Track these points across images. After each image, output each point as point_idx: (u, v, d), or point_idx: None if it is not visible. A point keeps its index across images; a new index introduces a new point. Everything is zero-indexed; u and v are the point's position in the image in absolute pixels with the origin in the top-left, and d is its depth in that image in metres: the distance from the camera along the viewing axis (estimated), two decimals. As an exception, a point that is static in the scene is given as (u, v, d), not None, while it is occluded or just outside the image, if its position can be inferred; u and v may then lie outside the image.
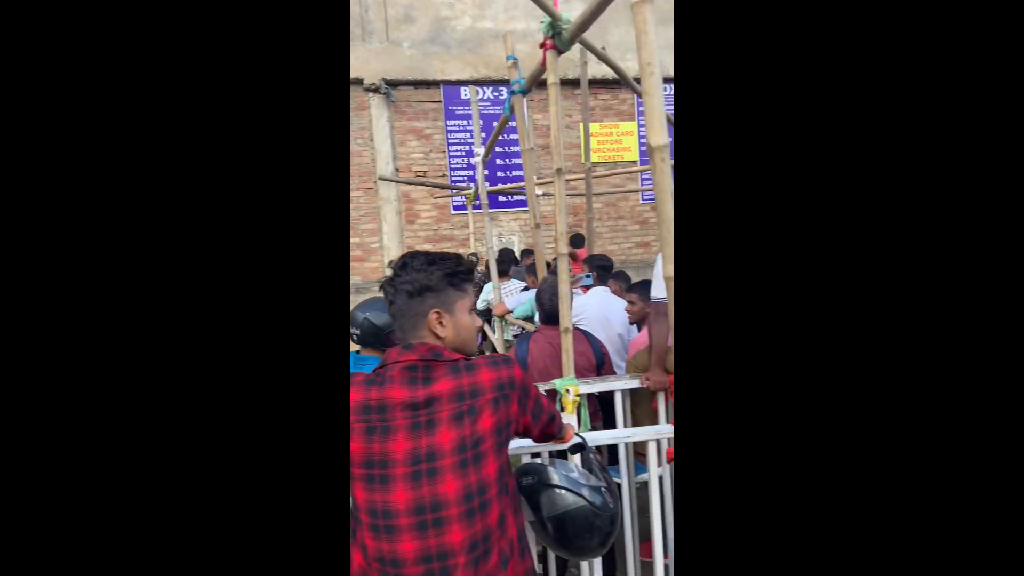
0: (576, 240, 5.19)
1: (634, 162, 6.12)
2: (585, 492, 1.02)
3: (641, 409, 1.79)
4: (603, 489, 1.05)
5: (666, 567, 1.39)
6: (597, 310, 2.34)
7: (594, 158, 6.22)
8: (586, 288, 2.58)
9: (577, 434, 1.22)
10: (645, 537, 2.14)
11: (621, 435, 1.30)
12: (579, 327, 2.18)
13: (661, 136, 1.12)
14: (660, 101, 1.10)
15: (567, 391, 1.59)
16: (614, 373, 1.98)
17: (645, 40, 1.08)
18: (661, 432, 1.26)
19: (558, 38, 1.57)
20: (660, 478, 1.71)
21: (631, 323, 2.23)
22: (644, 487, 2.28)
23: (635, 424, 1.75)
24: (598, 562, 1.33)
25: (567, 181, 6.43)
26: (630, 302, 2.18)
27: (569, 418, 1.52)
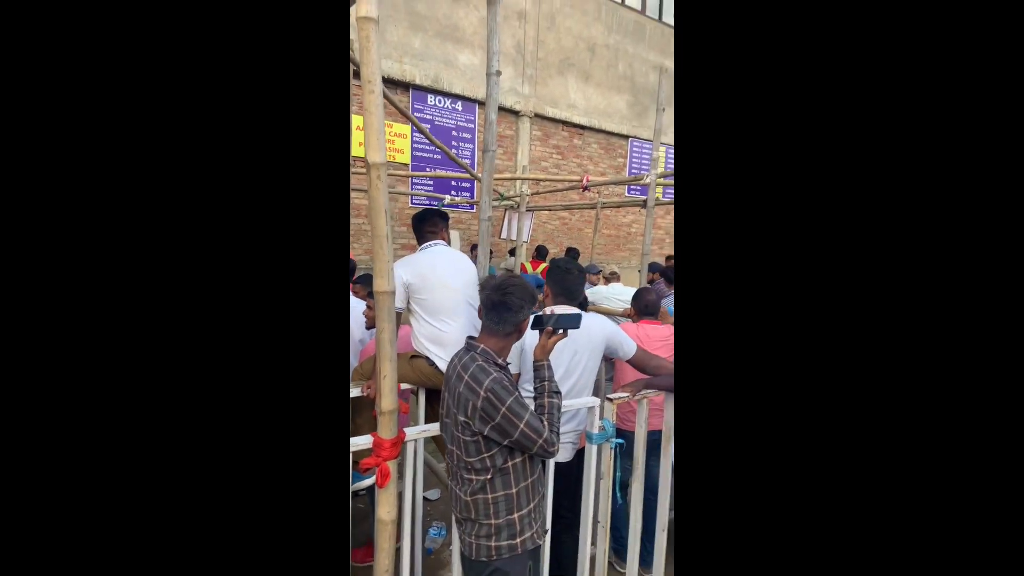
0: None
1: (406, 165, 6.16)
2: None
3: (363, 417, 1.79)
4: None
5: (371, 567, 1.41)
6: (335, 314, 2.26)
7: (363, 153, 6.01)
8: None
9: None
10: (359, 543, 2.15)
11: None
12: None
13: (379, 154, 1.14)
14: (380, 119, 1.12)
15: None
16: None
17: (368, 58, 1.08)
18: (356, 444, 1.27)
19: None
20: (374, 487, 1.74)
21: (368, 328, 2.21)
22: (365, 494, 2.28)
23: (354, 434, 1.74)
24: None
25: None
26: (369, 307, 2.17)
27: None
